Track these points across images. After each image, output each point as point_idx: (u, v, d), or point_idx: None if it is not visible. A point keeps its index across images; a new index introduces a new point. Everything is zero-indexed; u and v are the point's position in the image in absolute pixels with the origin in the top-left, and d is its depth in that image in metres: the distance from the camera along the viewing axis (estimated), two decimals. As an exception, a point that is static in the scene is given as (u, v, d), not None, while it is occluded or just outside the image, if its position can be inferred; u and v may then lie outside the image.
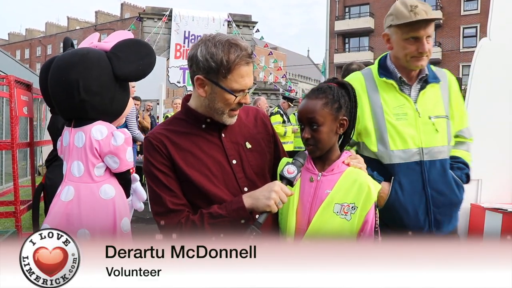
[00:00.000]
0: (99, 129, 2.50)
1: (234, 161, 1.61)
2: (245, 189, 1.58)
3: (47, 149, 3.40)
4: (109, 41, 2.67)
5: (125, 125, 5.63)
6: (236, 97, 1.52)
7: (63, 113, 2.60)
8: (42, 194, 3.47)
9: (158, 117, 9.21)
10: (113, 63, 2.50)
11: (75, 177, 2.48)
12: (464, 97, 2.52)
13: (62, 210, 2.43)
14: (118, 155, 2.50)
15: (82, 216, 2.42)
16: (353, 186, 1.55)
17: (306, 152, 1.65)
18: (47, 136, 4.09)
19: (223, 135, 1.62)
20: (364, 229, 1.56)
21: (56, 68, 2.53)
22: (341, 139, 1.70)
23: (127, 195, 2.70)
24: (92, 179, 2.49)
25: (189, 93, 1.72)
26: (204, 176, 1.55)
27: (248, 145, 1.66)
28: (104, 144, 2.47)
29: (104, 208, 2.47)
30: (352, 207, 1.53)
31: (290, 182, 1.51)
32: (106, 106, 2.54)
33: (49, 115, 4.15)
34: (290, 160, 1.59)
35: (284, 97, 8.53)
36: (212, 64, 1.47)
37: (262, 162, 1.68)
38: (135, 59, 2.56)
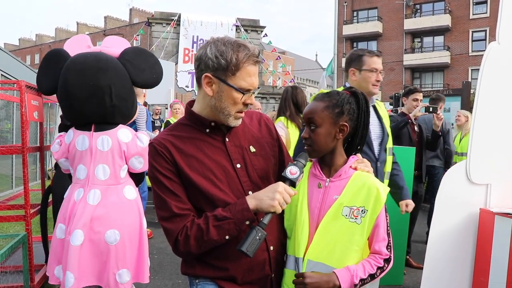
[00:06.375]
0: (124, 133, 2.58)
1: (238, 165, 1.61)
2: (250, 193, 1.58)
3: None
4: (109, 46, 2.69)
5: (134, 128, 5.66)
6: (243, 95, 1.54)
7: (83, 117, 2.55)
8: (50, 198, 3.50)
9: (166, 121, 9.26)
10: (129, 70, 2.57)
11: (100, 181, 2.51)
12: (473, 101, 2.50)
13: (91, 213, 2.46)
14: (143, 156, 2.57)
15: (110, 217, 2.48)
16: (361, 190, 1.55)
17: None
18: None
19: (227, 139, 1.63)
20: (376, 232, 1.56)
21: (79, 72, 2.47)
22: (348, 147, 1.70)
23: None
24: (118, 181, 2.56)
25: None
26: (208, 180, 1.55)
27: (252, 149, 1.66)
28: (132, 146, 2.56)
29: (130, 208, 2.57)
30: (362, 211, 1.53)
31: (293, 183, 1.51)
32: (129, 110, 2.64)
33: (58, 120, 4.18)
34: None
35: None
36: (222, 61, 1.49)
37: (266, 166, 1.68)
38: (146, 67, 2.64)
